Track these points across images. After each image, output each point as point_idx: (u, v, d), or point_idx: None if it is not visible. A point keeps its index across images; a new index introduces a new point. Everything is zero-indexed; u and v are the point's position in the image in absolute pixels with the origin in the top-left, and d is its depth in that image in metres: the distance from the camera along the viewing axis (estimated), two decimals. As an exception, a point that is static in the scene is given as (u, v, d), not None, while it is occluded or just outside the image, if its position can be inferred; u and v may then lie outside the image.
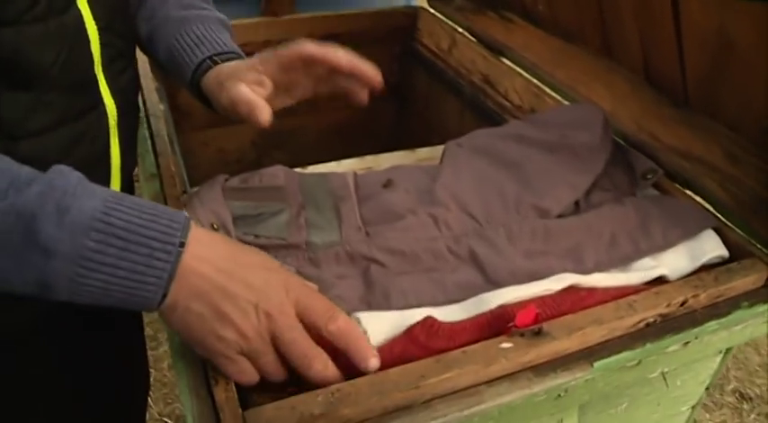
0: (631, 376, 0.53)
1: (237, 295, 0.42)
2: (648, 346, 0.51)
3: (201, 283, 0.42)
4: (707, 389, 0.68)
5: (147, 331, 1.46)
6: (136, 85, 0.63)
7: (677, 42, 0.68)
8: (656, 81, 0.76)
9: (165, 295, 0.41)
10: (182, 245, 0.41)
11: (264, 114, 0.53)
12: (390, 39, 1.11)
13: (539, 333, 0.48)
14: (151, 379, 1.26)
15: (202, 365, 0.46)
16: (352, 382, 0.45)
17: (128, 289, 0.40)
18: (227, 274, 0.42)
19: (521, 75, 0.88)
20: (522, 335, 0.48)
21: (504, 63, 0.91)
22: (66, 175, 0.41)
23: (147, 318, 1.18)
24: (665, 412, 0.66)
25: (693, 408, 0.69)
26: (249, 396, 0.46)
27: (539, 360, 0.48)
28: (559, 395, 0.49)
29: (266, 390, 0.45)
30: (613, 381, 0.52)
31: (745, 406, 1.51)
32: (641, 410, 0.63)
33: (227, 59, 0.60)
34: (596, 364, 0.49)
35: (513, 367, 0.48)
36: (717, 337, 0.55)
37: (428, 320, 0.49)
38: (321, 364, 0.44)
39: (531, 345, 0.48)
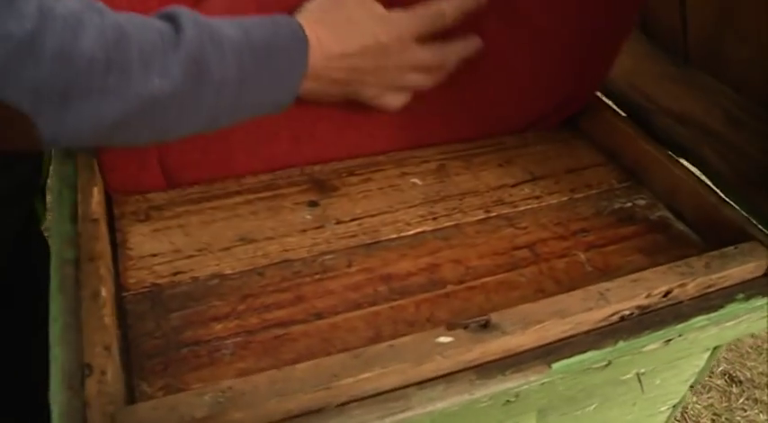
0: (600, 379, 0.44)
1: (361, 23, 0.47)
2: (621, 344, 0.43)
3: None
4: (692, 387, 0.60)
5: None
6: None
7: (680, -14, 0.58)
8: (655, 34, 0.66)
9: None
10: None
11: None
12: None
13: (486, 326, 0.40)
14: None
15: (80, 354, 0.38)
16: (246, 378, 0.36)
17: (276, 95, 0.45)
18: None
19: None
20: (465, 327, 0.40)
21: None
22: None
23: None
24: (642, 413, 0.58)
25: (675, 406, 0.61)
26: (138, 386, 0.39)
27: (484, 358, 0.40)
28: (509, 401, 0.41)
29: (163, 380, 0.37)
30: (577, 384, 0.43)
31: (735, 389, 1.44)
32: (614, 411, 0.55)
33: None
34: (555, 366, 0.41)
35: (452, 367, 0.39)
36: (705, 333, 0.47)
37: None
38: None
39: (476, 340, 0.39)
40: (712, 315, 0.46)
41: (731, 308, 0.46)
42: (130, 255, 0.48)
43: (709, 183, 0.56)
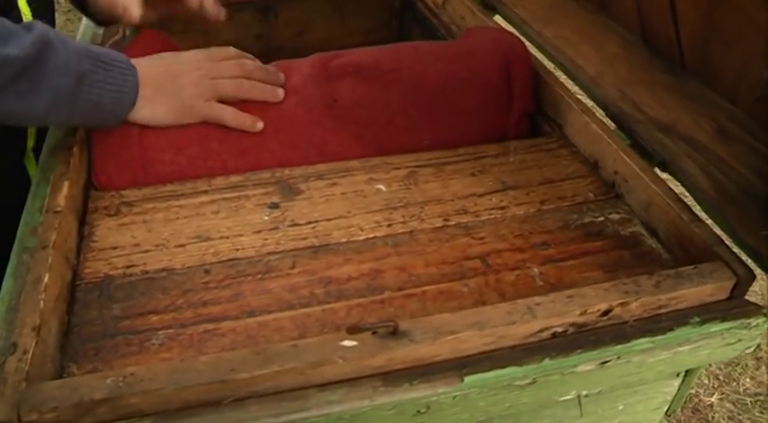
0: (528, 397, 0.43)
1: (184, 65, 0.59)
2: (547, 362, 0.41)
3: (154, 76, 0.57)
4: (668, 415, 0.56)
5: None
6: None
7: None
8: (652, 41, 0.63)
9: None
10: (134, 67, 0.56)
11: (135, 10, 0.64)
12: (391, -8, 1.01)
13: (394, 332, 0.39)
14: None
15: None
16: (150, 366, 0.38)
17: (114, 99, 0.54)
18: (167, 65, 0.59)
19: (509, 32, 0.76)
20: (374, 332, 0.39)
21: (494, 20, 0.79)
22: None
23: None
24: (610, 439, 0.55)
25: (652, 435, 0.58)
26: (68, 367, 0.42)
27: (392, 366, 0.39)
28: (419, 411, 0.40)
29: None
30: (501, 400, 0.42)
31: None
32: (573, 434, 0.53)
33: None
34: (467, 379, 0.39)
35: (356, 372, 0.39)
36: (654, 357, 0.44)
37: None
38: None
39: (383, 346, 0.39)
40: (658, 338, 0.43)
41: (682, 331, 0.44)
42: (92, 246, 0.51)
43: (689, 198, 0.53)
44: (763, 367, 1.42)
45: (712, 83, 0.56)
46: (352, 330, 0.38)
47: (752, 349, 0.47)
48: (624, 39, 0.67)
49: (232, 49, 0.64)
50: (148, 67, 0.57)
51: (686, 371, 0.51)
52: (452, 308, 0.46)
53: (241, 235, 0.52)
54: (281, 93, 0.61)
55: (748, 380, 1.38)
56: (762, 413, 1.34)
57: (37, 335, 0.40)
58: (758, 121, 0.51)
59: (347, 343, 0.39)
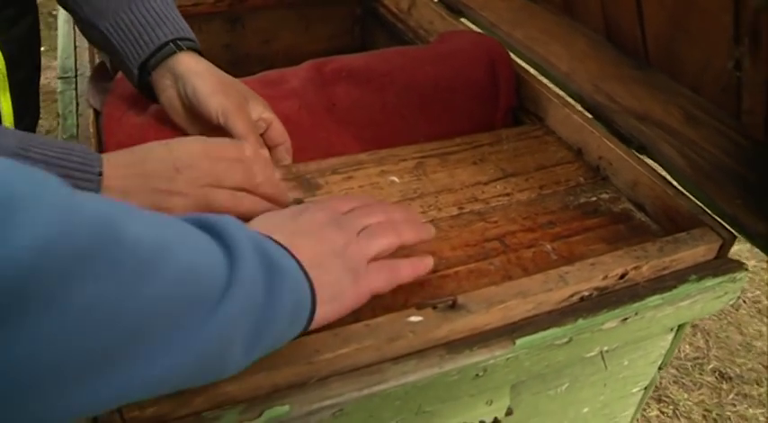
0: (563, 355, 0.48)
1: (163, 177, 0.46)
2: (581, 322, 0.47)
3: (128, 188, 0.45)
4: (660, 369, 0.63)
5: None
6: (33, 37, 0.58)
7: (637, -5, 0.63)
8: (617, 40, 0.71)
9: None
10: (100, 174, 0.43)
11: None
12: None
13: (453, 306, 0.44)
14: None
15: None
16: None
17: None
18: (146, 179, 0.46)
19: (479, 35, 0.83)
20: (434, 308, 0.44)
21: (462, 23, 0.85)
22: None
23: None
24: (614, 394, 0.62)
25: (646, 388, 0.65)
26: None
27: (453, 336, 0.44)
28: (477, 375, 0.45)
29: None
30: (542, 360, 0.47)
31: (725, 386, 1.47)
32: (585, 392, 0.59)
33: (191, 47, 0.57)
34: (519, 342, 0.45)
35: (423, 344, 0.43)
36: (662, 313, 0.51)
37: None
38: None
39: (444, 319, 0.43)
40: (666, 295, 0.50)
41: (684, 288, 0.50)
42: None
43: (668, 177, 0.60)
44: (699, 334, 1.56)
45: (677, 76, 0.64)
46: (419, 306, 0.43)
47: (733, 301, 0.55)
48: (590, 38, 0.74)
49: (240, 144, 0.51)
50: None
51: (678, 326, 0.58)
52: (485, 284, 0.51)
53: (275, 233, 0.54)
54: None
55: (687, 346, 1.52)
56: (701, 374, 1.48)
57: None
58: (722, 108, 0.59)
59: (414, 318, 0.43)
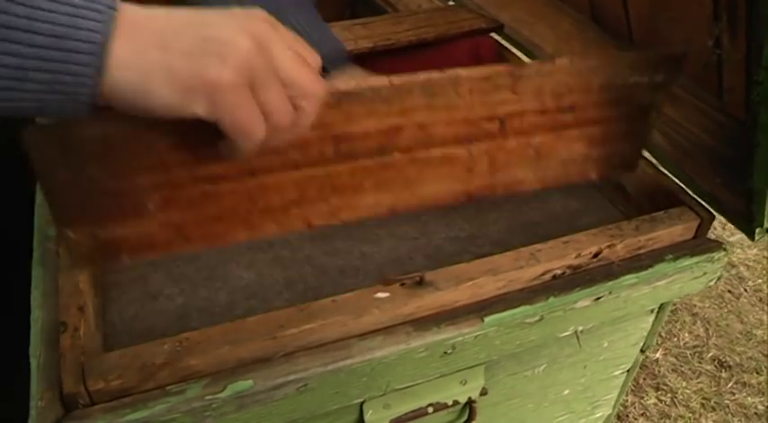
0: (535, 334, 0.48)
1: (214, 22, 0.32)
2: (552, 300, 0.46)
3: (155, 27, 0.31)
4: (642, 351, 0.63)
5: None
6: None
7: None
8: (602, 19, 0.70)
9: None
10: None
11: None
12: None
13: (420, 283, 0.44)
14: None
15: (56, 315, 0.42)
16: (202, 330, 0.40)
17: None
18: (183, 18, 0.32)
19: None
20: (402, 284, 0.44)
21: (448, 6, 0.85)
22: None
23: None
24: (595, 377, 0.62)
25: (629, 371, 0.65)
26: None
27: (420, 313, 0.44)
28: (446, 352, 0.44)
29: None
30: (514, 338, 0.47)
31: (724, 374, 1.46)
32: (564, 373, 0.59)
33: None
34: (487, 319, 0.44)
35: (390, 320, 0.43)
36: (638, 292, 0.50)
37: None
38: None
39: (412, 295, 0.43)
40: (641, 274, 0.49)
41: (660, 267, 0.50)
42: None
43: (648, 156, 0.60)
44: (699, 322, 1.55)
45: (660, 54, 0.63)
46: (386, 282, 0.42)
47: (714, 282, 0.55)
48: (575, 18, 0.73)
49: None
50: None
51: (659, 307, 0.58)
52: (441, 176, 0.44)
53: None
54: None
55: (687, 334, 1.51)
56: (700, 363, 1.47)
57: (82, 314, 0.42)
58: (704, 87, 0.58)
59: (380, 295, 0.43)
